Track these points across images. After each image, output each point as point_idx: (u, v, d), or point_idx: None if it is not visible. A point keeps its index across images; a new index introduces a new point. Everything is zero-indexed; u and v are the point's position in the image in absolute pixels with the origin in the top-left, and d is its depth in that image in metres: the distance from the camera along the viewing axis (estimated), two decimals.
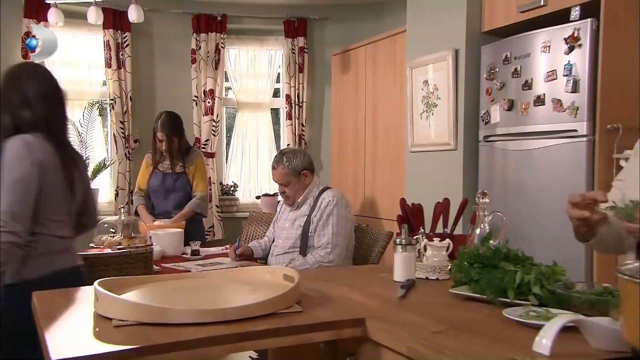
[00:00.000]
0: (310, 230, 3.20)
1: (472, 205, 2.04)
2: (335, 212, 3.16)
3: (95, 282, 1.43)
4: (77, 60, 5.03)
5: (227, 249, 3.62)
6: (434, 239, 1.88)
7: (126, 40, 4.94)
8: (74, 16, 4.68)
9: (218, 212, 5.23)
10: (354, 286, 1.80)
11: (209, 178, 5.08)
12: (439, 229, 2.67)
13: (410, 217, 2.06)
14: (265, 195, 5.13)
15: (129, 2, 4.45)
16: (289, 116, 5.39)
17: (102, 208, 4.88)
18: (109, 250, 3.01)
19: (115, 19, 4.80)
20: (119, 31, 4.88)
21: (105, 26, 4.82)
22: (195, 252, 3.39)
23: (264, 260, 3.39)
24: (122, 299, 1.39)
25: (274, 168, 3.32)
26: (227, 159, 5.55)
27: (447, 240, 1.88)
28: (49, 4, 4.39)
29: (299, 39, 5.38)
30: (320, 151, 5.63)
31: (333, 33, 5.55)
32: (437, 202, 2.57)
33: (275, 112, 5.67)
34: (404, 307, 1.58)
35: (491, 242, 1.69)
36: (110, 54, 4.89)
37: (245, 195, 5.50)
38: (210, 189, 5.12)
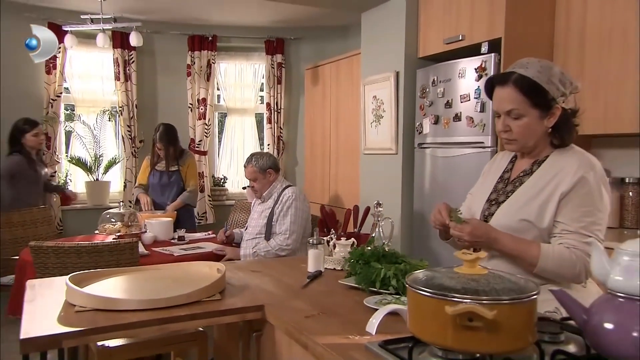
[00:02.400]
0: (273, 220, 3.29)
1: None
2: (294, 205, 3.25)
3: (67, 276, 1.58)
4: (92, 74, 5.10)
5: (209, 234, 3.77)
6: (342, 238, 2.07)
7: (132, 58, 5.03)
8: (90, 37, 4.76)
9: (210, 200, 5.36)
10: (274, 276, 1.92)
11: (202, 172, 5.25)
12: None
13: (327, 220, 2.23)
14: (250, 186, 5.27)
15: (133, 27, 4.55)
16: (269, 120, 5.46)
17: (113, 197, 5.07)
18: (107, 239, 3.13)
19: (122, 40, 4.90)
20: (126, 50, 4.96)
21: (114, 46, 4.92)
22: (181, 238, 3.49)
23: (237, 243, 3.44)
24: (81, 291, 1.50)
25: (245, 167, 3.39)
26: (218, 155, 5.62)
27: (352, 239, 2.06)
28: (66, 30, 4.51)
29: (278, 56, 5.43)
30: (295, 149, 5.71)
31: (306, 51, 5.59)
32: (348, 208, 2.72)
33: (259, 117, 5.71)
34: (300, 295, 1.68)
35: (375, 243, 1.88)
36: (118, 69, 4.97)
37: (233, 186, 5.60)
38: (203, 182, 5.28)
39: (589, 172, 1.50)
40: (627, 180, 2.99)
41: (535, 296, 1.04)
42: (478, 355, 1.05)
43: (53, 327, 1.33)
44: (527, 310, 1.03)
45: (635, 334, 0.96)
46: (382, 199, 3.84)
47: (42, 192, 4.34)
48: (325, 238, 2.06)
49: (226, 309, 1.51)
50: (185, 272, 1.83)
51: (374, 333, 1.27)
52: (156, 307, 1.45)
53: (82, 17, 4.41)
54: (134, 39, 4.48)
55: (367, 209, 2.18)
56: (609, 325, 0.99)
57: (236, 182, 5.60)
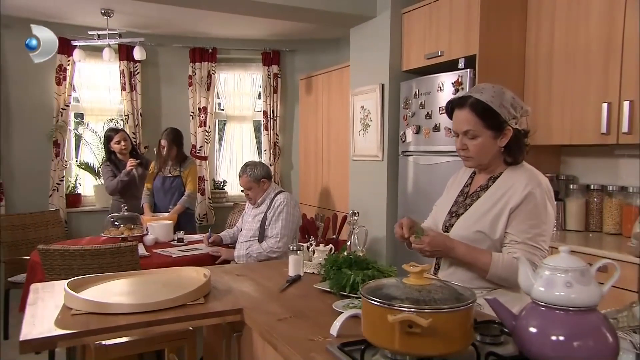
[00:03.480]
0: (266, 224, 3.36)
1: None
2: (285, 210, 3.31)
3: (66, 281, 1.66)
4: (99, 85, 5.18)
5: (205, 236, 3.86)
6: (320, 244, 2.15)
7: (137, 69, 5.10)
8: (98, 50, 4.78)
9: (210, 202, 5.44)
10: (256, 280, 1.97)
11: (202, 176, 5.33)
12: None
13: (308, 227, 2.31)
14: None
15: (137, 42, 4.64)
16: (266, 127, 5.51)
17: None
18: (111, 243, 3.22)
19: (128, 53, 4.96)
20: (131, 62, 5.03)
21: (120, 58, 4.99)
22: (180, 240, 3.59)
23: (233, 245, 3.56)
24: (77, 296, 1.56)
25: (240, 176, 3.45)
26: (218, 160, 5.68)
27: (330, 245, 2.14)
28: (75, 45, 4.60)
29: (274, 67, 5.48)
30: (291, 155, 5.76)
31: (301, 62, 5.63)
32: (327, 216, 2.78)
33: (256, 124, 5.78)
34: (277, 298, 1.73)
35: (352, 249, 1.96)
36: (124, 80, 5.05)
37: (232, 189, 5.67)
38: (204, 185, 5.37)
39: (535, 189, 1.58)
40: (591, 187, 3.07)
41: (470, 304, 1.12)
42: (421, 357, 1.14)
43: (50, 329, 1.40)
44: (463, 317, 1.11)
45: (553, 338, 1.04)
46: (369, 202, 4.00)
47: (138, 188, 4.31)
48: (305, 244, 2.13)
49: (208, 312, 1.57)
50: (175, 276, 1.90)
51: (335, 335, 1.34)
52: (144, 311, 1.53)
53: (89, 32, 4.50)
54: (138, 53, 4.57)
55: (344, 218, 2.26)
56: (532, 330, 1.07)
57: (235, 185, 5.66)
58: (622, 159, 3.01)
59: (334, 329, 1.35)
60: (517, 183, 1.61)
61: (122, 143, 4.19)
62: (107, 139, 4.24)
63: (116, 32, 4.41)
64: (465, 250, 1.60)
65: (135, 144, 5.11)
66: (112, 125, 5.13)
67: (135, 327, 1.45)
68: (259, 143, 5.76)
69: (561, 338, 1.03)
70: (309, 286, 1.89)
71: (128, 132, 5.07)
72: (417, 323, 1.04)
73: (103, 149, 4.42)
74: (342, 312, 1.41)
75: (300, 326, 1.46)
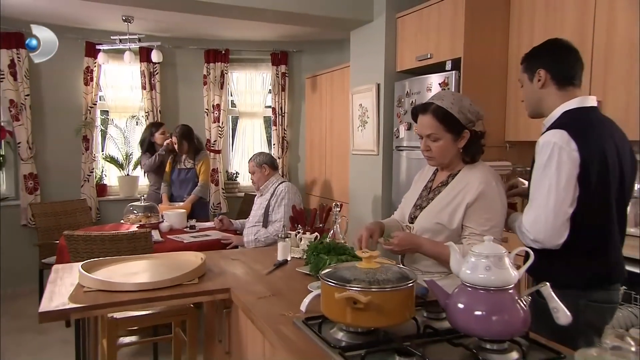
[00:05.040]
0: (269, 211, 3.49)
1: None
2: (287, 197, 3.44)
3: (80, 263, 1.83)
4: (122, 84, 5.33)
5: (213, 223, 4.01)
6: (307, 232, 2.28)
7: (156, 70, 5.24)
8: (121, 52, 4.89)
9: (224, 192, 5.60)
10: (247, 264, 2.09)
11: (216, 168, 5.50)
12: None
13: (297, 217, 2.44)
14: None
15: (154, 46, 4.80)
16: (275, 123, 5.64)
17: (141, 189, 5.34)
18: (131, 228, 3.41)
19: (148, 55, 5.04)
20: (151, 63, 5.15)
21: (141, 60, 5.15)
22: (192, 227, 3.74)
23: (240, 232, 3.69)
24: (89, 276, 1.71)
25: (248, 162, 3.64)
26: (231, 153, 5.82)
27: (316, 233, 2.27)
28: (99, 49, 4.79)
29: (282, 66, 5.58)
30: (298, 148, 5.87)
31: (307, 62, 5.72)
32: (314, 207, 2.84)
33: (266, 119, 5.88)
34: (262, 280, 1.85)
35: (336, 237, 2.09)
36: (145, 80, 5.20)
37: (244, 180, 5.77)
38: (217, 176, 5.53)
39: (488, 186, 1.70)
40: None
41: (408, 285, 1.25)
42: (367, 328, 1.28)
43: (64, 303, 1.56)
44: (401, 295, 1.24)
45: (477, 313, 1.17)
46: (366, 193, 4.12)
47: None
48: (292, 232, 2.27)
49: (199, 291, 1.73)
50: (176, 260, 2.06)
51: (304, 311, 1.47)
52: (145, 289, 1.69)
53: (112, 37, 4.67)
54: (155, 56, 4.73)
55: (329, 208, 2.38)
56: (460, 306, 1.20)
57: (247, 176, 5.66)
58: None
59: (303, 306, 1.47)
60: (472, 181, 1.72)
61: (167, 134, 4.53)
62: (150, 132, 4.56)
63: (135, 37, 4.58)
64: (430, 245, 1.71)
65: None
66: (134, 121, 5.32)
67: (136, 302, 1.62)
68: (269, 137, 5.88)
69: (483, 313, 1.16)
70: (292, 270, 2.02)
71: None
72: (359, 300, 1.18)
73: (140, 144, 4.69)
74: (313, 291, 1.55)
75: (277, 304, 1.59)
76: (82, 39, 4.94)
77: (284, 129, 5.70)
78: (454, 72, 3.22)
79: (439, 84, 3.32)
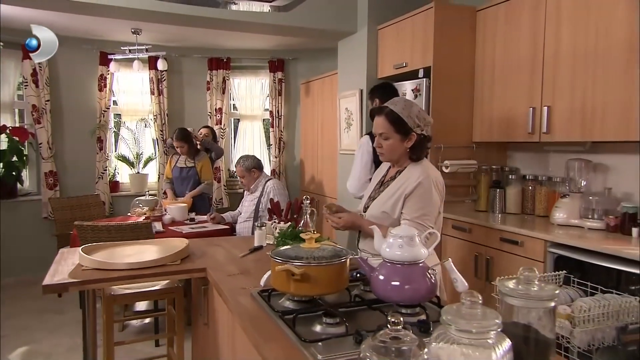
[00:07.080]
0: (260, 207, 3.69)
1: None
2: (272, 193, 3.64)
3: (80, 247, 2.03)
4: (133, 90, 5.54)
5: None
6: (281, 222, 2.45)
7: (163, 76, 5.44)
8: (130, 60, 5.13)
9: (225, 189, 5.80)
10: (226, 249, 2.23)
11: (219, 167, 5.69)
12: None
13: (273, 209, 2.61)
14: None
15: (160, 55, 5.01)
16: (273, 125, 5.80)
17: (150, 186, 5.56)
18: (138, 220, 3.60)
19: (156, 63, 5.24)
20: (159, 70, 5.32)
21: (149, 67, 5.36)
22: (192, 219, 3.92)
23: (234, 223, 3.90)
24: (86, 256, 1.87)
25: (235, 166, 3.78)
26: (232, 153, 5.97)
27: (289, 222, 2.44)
28: (111, 58, 5.01)
29: (279, 73, 5.74)
30: (293, 149, 6.03)
31: (302, 69, 5.87)
32: (289, 201, 3.01)
33: (265, 122, 6.03)
34: (236, 261, 1.98)
35: (306, 227, 2.26)
36: (153, 86, 5.40)
37: None
38: (220, 174, 5.72)
39: (424, 180, 1.86)
40: (527, 177, 3.29)
41: (342, 260, 1.43)
42: (307, 296, 1.46)
43: (64, 278, 1.74)
44: (334, 269, 1.41)
45: (393, 283, 1.33)
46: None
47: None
48: (269, 222, 2.45)
49: (179, 270, 1.90)
50: (165, 245, 2.24)
51: (263, 285, 1.66)
52: (134, 268, 1.88)
53: (122, 48, 4.89)
54: (160, 64, 4.95)
55: (301, 202, 2.55)
56: (381, 278, 1.37)
57: None
58: (550, 154, 3.22)
59: (262, 281, 1.66)
60: (412, 175, 1.89)
61: (202, 130, 4.76)
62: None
63: (143, 47, 4.78)
64: (369, 225, 1.88)
65: (163, 139, 5.51)
66: (144, 124, 5.53)
67: (125, 278, 1.81)
68: (267, 138, 6.04)
69: (398, 283, 1.33)
70: (264, 254, 2.17)
71: (156, 130, 5.49)
72: (294, 272, 1.36)
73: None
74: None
75: (242, 280, 1.76)
76: (96, 49, 5.16)
77: (281, 131, 5.87)
78: (424, 79, 3.37)
79: (412, 90, 3.47)
